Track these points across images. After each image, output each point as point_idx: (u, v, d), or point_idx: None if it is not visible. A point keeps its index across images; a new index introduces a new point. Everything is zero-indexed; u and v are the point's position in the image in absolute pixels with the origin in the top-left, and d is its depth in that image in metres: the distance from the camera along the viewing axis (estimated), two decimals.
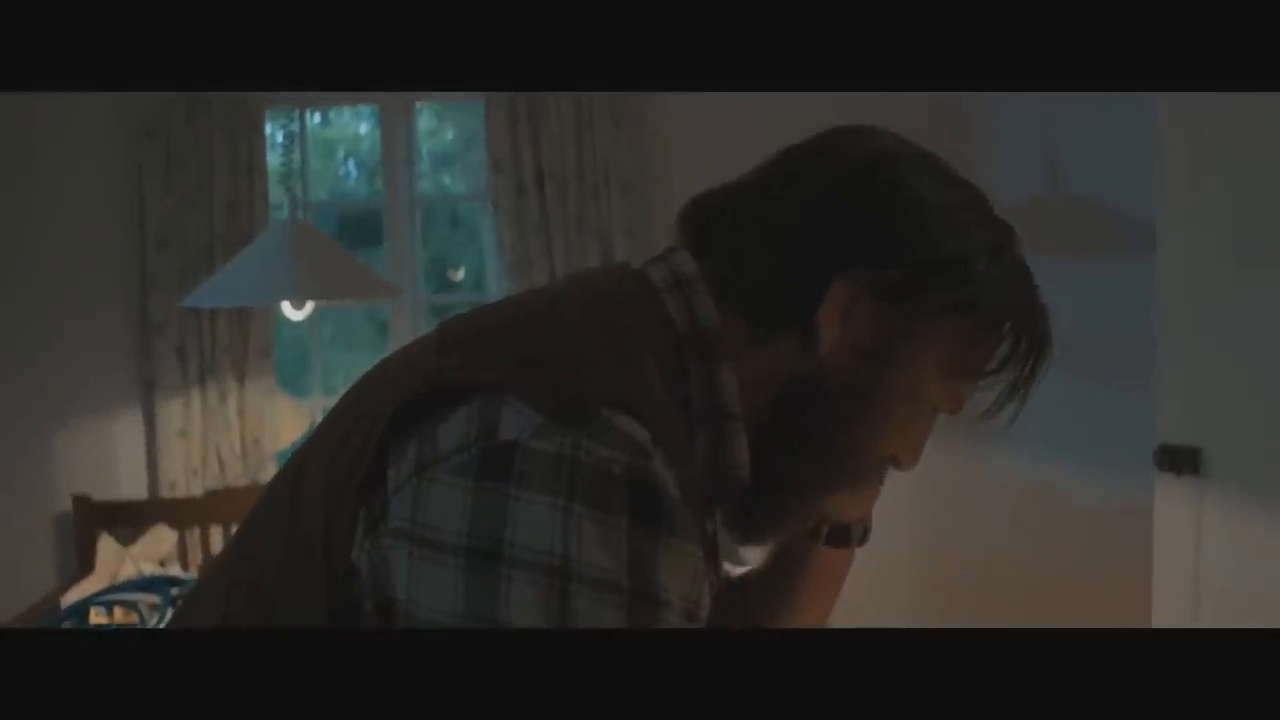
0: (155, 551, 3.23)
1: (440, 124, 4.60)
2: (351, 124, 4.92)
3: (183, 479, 3.49)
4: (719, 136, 3.05)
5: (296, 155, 3.13)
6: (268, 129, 3.52)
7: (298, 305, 2.90)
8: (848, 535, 1.05)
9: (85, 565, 3.25)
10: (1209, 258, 2.21)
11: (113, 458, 3.53)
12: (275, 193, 3.43)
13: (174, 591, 2.44)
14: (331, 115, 4.70)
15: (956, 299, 0.87)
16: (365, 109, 4.43)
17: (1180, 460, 2.22)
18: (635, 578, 0.72)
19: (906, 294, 0.86)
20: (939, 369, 0.89)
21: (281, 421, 3.62)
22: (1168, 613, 2.26)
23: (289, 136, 3.03)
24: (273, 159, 3.47)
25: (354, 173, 5.14)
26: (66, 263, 3.47)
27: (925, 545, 3.55)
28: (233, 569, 0.89)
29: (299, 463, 0.86)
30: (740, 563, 1.15)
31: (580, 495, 0.71)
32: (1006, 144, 3.35)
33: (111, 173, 3.46)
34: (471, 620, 0.71)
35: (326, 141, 4.89)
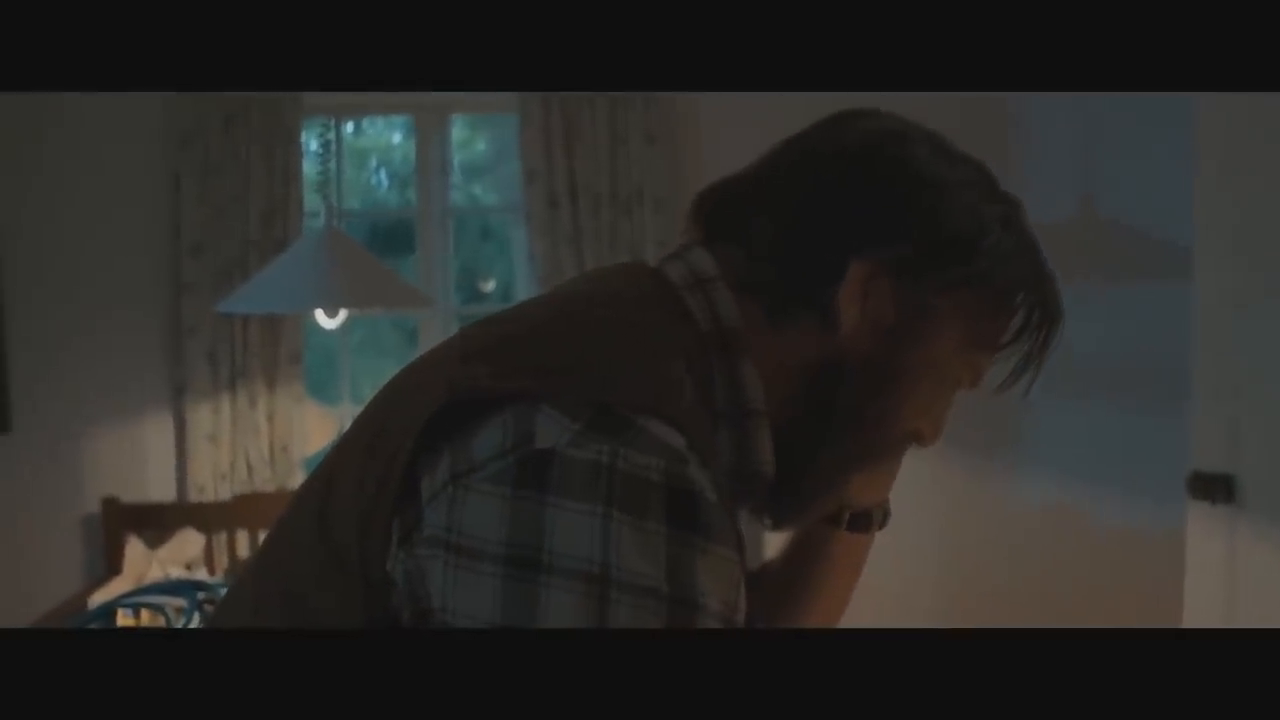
0: (182, 555, 3.24)
1: (473, 135, 4.62)
2: (385, 134, 4.94)
3: (211, 483, 3.50)
4: (752, 153, 3.05)
5: (332, 164, 3.12)
6: (303, 137, 3.54)
7: (331, 313, 2.90)
8: (869, 520, 1.06)
9: (112, 567, 3.27)
10: (1247, 284, 2.19)
11: (142, 460, 3.55)
12: (310, 200, 3.45)
13: (200, 595, 2.45)
14: (365, 124, 4.71)
15: (970, 273, 0.88)
16: (399, 119, 4.45)
17: (1214, 488, 2.20)
18: (674, 583, 0.71)
19: (922, 270, 0.87)
20: (957, 343, 0.90)
21: (310, 428, 3.64)
22: None
23: (324, 145, 3.02)
24: (308, 167, 3.48)
25: (385, 182, 5.16)
26: (101, 267, 3.50)
27: (954, 572, 3.53)
28: (263, 580, 0.88)
29: (328, 472, 0.85)
30: (760, 561, 1.14)
31: (618, 502, 0.71)
32: (1041, 166, 3.33)
33: (149, 180, 3.49)
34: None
35: (359, 150, 4.91)
